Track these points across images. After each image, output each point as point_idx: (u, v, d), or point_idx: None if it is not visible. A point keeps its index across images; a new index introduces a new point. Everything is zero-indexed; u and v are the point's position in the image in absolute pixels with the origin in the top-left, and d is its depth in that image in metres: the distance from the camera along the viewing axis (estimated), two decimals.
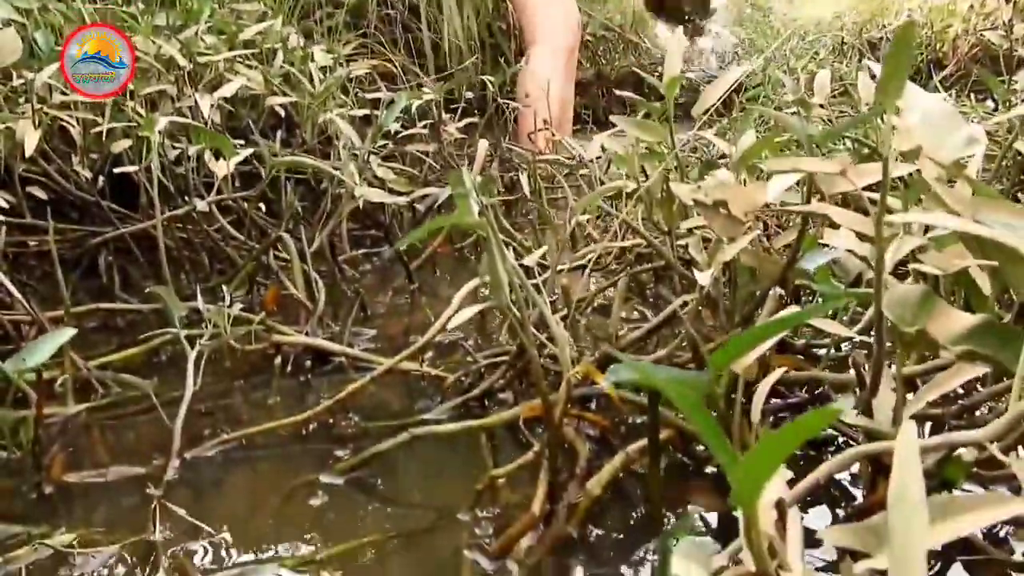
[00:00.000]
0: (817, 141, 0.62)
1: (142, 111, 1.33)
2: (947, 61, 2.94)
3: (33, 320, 0.94)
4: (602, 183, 1.07)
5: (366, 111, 1.72)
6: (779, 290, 0.65)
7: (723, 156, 0.88)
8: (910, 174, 0.61)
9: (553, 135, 2.19)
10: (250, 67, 1.65)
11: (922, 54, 3.09)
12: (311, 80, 1.71)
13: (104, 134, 1.28)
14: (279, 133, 1.51)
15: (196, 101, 1.28)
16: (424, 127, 1.68)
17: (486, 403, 0.85)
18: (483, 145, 1.26)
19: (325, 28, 2.31)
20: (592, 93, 3.65)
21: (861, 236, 0.60)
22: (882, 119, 0.45)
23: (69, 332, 0.77)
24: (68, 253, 1.25)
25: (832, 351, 0.79)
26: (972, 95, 2.47)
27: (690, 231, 0.86)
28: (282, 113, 1.65)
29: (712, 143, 0.93)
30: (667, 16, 3.10)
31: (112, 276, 1.21)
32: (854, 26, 3.78)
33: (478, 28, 2.67)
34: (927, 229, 0.60)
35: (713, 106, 0.83)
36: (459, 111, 1.93)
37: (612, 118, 0.91)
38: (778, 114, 0.63)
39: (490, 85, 1.91)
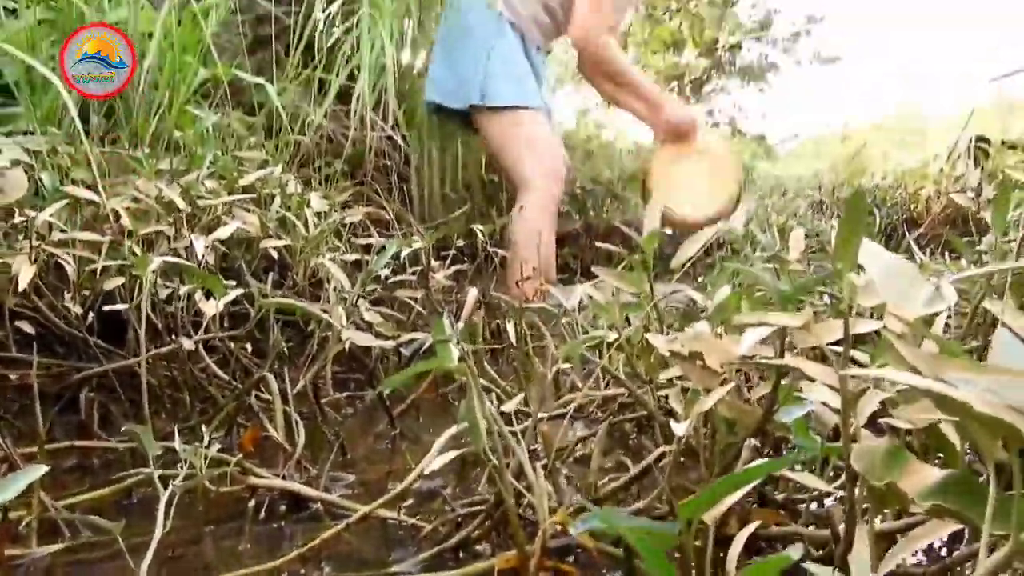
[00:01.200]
0: (788, 297, 0.65)
1: (138, 250, 1.36)
2: (921, 221, 3.06)
3: (5, 456, 0.93)
4: (585, 332, 1.09)
5: (358, 256, 1.76)
6: (754, 441, 0.65)
7: (703, 309, 0.90)
8: (879, 331, 0.63)
9: (542, 284, 2.23)
10: (248, 211, 1.70)
11: (897, 214, 3.23)
12: (306, 225, 1.77)
13: (98, 271, 1.30)
14: (271, 275, 1.55)
15: (192, 242, 1.31)
16: (413, 273, 1.72)
17: (460, 554, 0.83)
18: (472, 293, 1.29)
19: (323, 176, 2.41)
20: (580, 244, 3.76)
21: (835, 388, 0.61)
22: (843, 278, 0.48)
23: (40, 470, 0.76)
24: (50, 388, 1.24)
25: (814, 506, 0.79)
26: (946, 254, 2.55)
27: (670, 381, 0.87)
28: (275, 256, 1.69)
29: (694, 295, 0.96)
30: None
31: (92, 413, 1.20)
32: (831, 185, 3.95)
33: (469, 179, 2.78)
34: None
35: (691, 259, 0.86)
36: (449, 258, 1.98)
37: (594, 269, 0.94)
38: (751, 270, 0.66)
39: (480, 234, 1.97)
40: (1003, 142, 3.22)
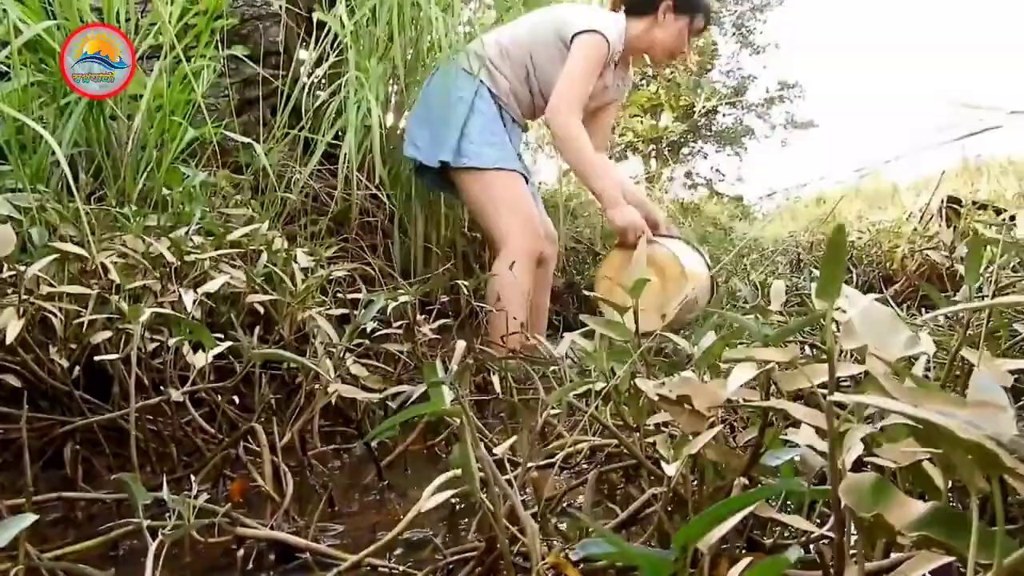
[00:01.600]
0: (772, 340, 0.67)
1: (125, 304, 1.37)
2: (897, 278, 3.12)
3: None
4: (572, 381, 1.10)
5: (344, 310, 1.77)
6: (744, 480, 0.66)
7: (689, 357, 0.92)
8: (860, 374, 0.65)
9: (527, 339, 2.24)
10: (235, 266, 1.72)
11: (873, 271, 3.29)
12: (292, 280, 1.78)
13: (85, 325, 1.31)
14: (257, 330, 1.55)
15: (180, 296, 1.32)
16: (399, 327, 1.73)
17: None
18: (460, 345, 1.30)
19: (309, 233, 2.43)
20: (564, 301, 3.80)
21: (820, 431, 0.63)
22: (825, 319, 0.50)
23: (28, 519, 0.75)
24: (34, 442, 1.23)
25: (802, 551, 0.79)
26: (922, 309, 2.60)
27: (658, 427, 0.88)
28: (261, 311, 1.70)
29: (680, 342, 0.98)
30: None
31: (76, 467, 1.18)
32: (808, 244, 4.03)
33: (453, 235, 2.81)
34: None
35: (677, 307, 0.88)
36: (434, 313, 1.99)
37: (582, 317, 0.96)
38: (735, 315, 0.68)
39: (464, 289, 1.99)
40: (973, 202, 3.31)
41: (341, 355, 1.48)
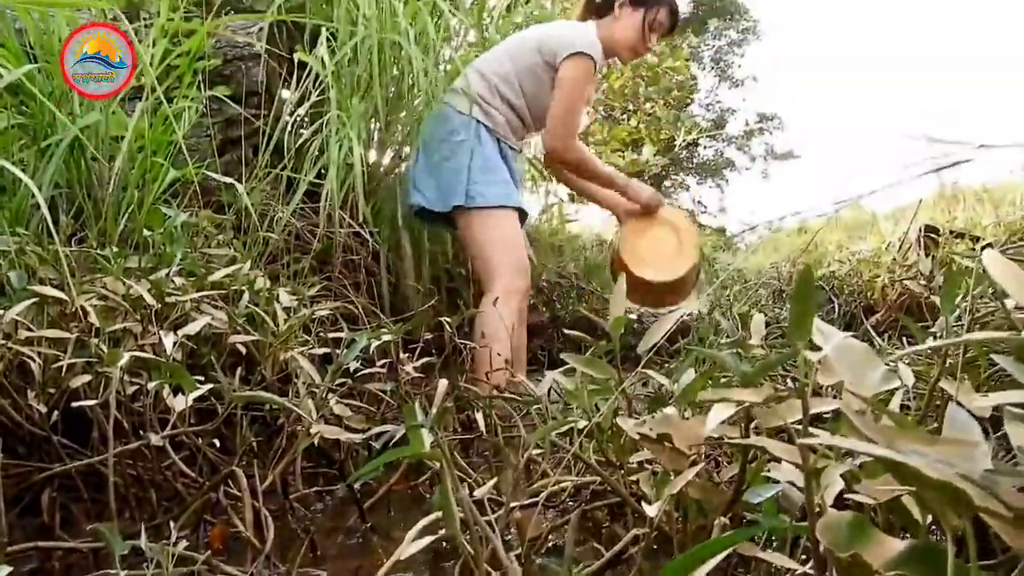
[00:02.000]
0: (750, 377, 0.67)
1: (105, 348, 1.36)
2: (878, 308, 3.14)
3: None
4: (555, 418, 1.10)
5: (327, 350, 1.77)
6: (725, 520, 0.66)
7: (670, 394, 0.92)
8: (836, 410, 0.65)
9: (513, 376, 2.24)
10: (216, 307, 1.71)
11: (855, 301, 3.31)
12: (275, 320, 1.77)
13: (64, 369, 1.29)
14: (239, 370, 1.54)
15: (160, 338, 1.31)
16: (382, 366, 1.72)
17: None
18: (443, 384, 1.30)
19: (291, 272, 2.42)
20: (547, 335, 3.79)
21: (800, 467, 0.63)
22: (799, 357, 0.50)
23: (3, 571, 0.74)
24: (10, 489, 1.21)
25: None
26: (903, 339, 2.62)
27: (640, 465, 0.88)
28: (243, 351, 1.69)
29: (660, 380, 0.98)
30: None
31: (54, 514, 1.17)
32: (788, 275, 4.06)
33: (437, 273, 2.82)
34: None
35: (656, 344, 0.88)
36: (417, 351, 1.99)
37: (563, 356, 0.96)
38: (714, 352, 0.69)
39: (447, 326, 1.99)
40: (950, 231, 3.35)
41: (324, 395, 1.47)
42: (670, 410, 0.80)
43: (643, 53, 2.84)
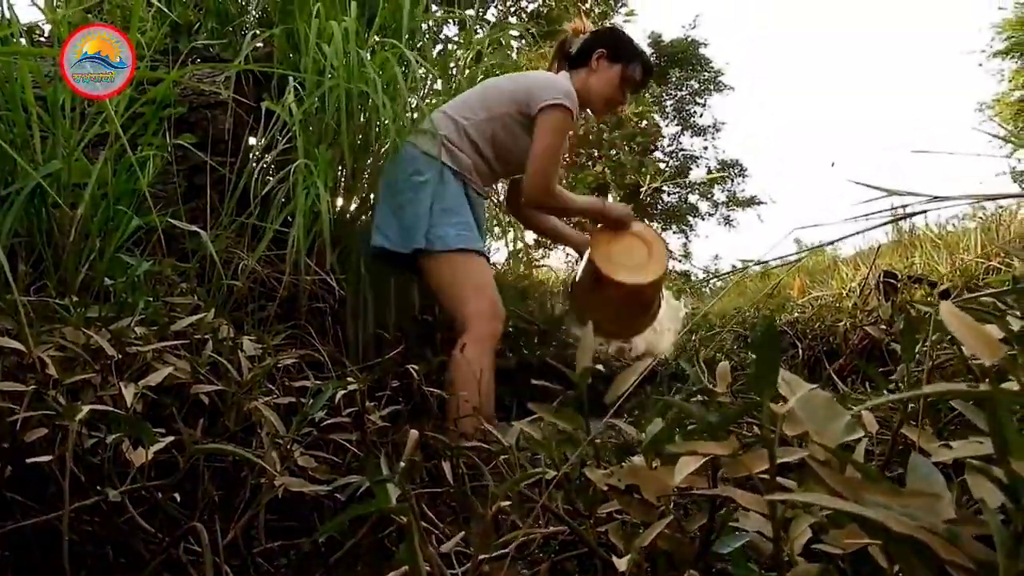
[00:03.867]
0: (716, 427, 0.67)
1: (63, 399, 1.33)
2: (841, 352, 3.18)
3: None
4: (524, 468, 1.09)
5: (292, 399, 1.74)
6: (694, 573, 0.66)
7: (638, 443, 0.92)
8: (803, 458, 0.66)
9: (482, 424, 2.22)
10: (179, 356, 1.68)
11: (818, 345, 3.36)
12: (239, 370, 1.75)
13: (19, 423, 1.26)
14: (202, 421, 1.51)
15: (120, 390, 1.28)
16: (348, 415, 1.70)
17: None
18: (413, 436, 1.28)
19: (256, 320, 2.40)
20: (514, 381, 3.77)
21: (768, 517, 0.63)
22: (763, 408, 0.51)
23: None
24: None
25: None
26: (866, 384, 2.66)
27: (610, 516, 0.87)
28: (207, 401, 1.66)
29: (628, 429, 0.98)
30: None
31: (5, 574, 1.13)
32: (753, 322, 4.10)
33: (404, 320, 2.81)
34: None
35: (625, 394, 0.88)
36: (384, 400, 1.97)
37: (531, 406, 0.96)
38: (681, 403, 0.69)
39: (415, 374, 1.98)
40: (908, 277, 3.42)
41: (288, 447, 1.45)
42: (638, 459, 0.80)
43: (617, 106, 2.90)
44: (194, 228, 2.01)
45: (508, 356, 3.92)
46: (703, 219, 17.93)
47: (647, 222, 3.57)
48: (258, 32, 3.05)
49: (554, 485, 0.95)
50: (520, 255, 4.71)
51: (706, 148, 18.15)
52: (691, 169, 18.11)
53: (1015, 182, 11.90)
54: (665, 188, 17.66)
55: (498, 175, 2.81)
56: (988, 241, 3.69)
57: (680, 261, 17.68)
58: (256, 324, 2.38)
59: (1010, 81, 11.71)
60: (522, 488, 1.04)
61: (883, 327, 3.03)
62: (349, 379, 1.71)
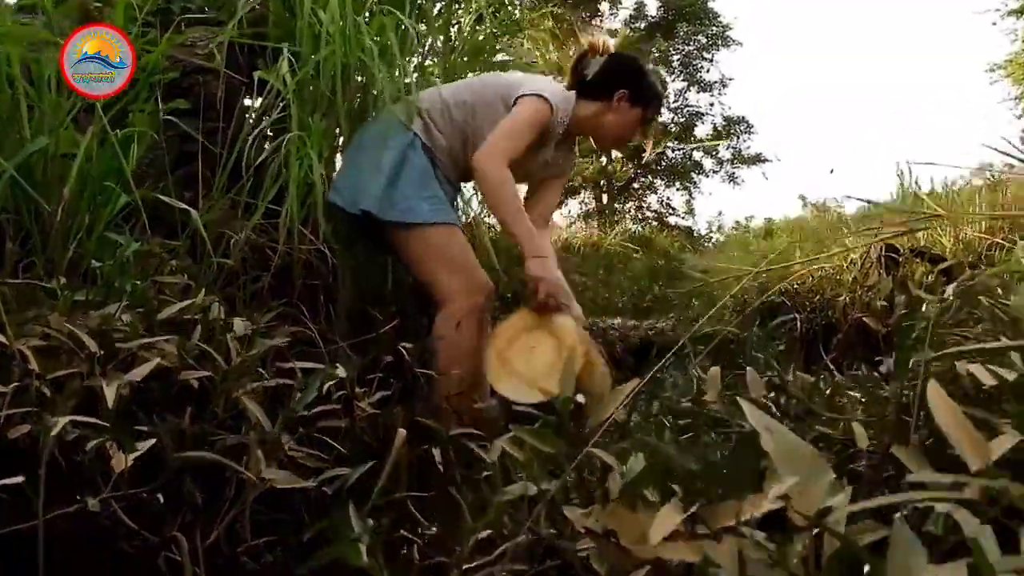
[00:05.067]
0: (699, 475, 0.65)
1: (47, 392, 1.31)
2: (840, 327, 3.17)
3: None
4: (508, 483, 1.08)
5: (282, 381, 1.73)
6: None
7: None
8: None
9: (474, 401, 2.20)
10: (167, 340, 1.66)
11: (816, 318, 3.34)
12: (228, 354, 1.73)
13: (2, 420, 1.24)
14: (189, 410, 1.50)
15: (102, 388, 1.27)
16: (338, 399, 1.69)
17: None
18: (401, 435, 1.27)
19: (249, 293, 2.38)
20: None
21: None
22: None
23: None
24: None
25: None
26: (863, 365, 2.65)
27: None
28: (196, 385, 1.65)
29: (607, 459, 0.96)
30: None
31: None
32: (756, 287, 4.07)
33: (399, 292, 2.78)
34: None
35: (609, 419, 0.87)
36: (375, 383, 1.96)
37: (512, 428, 0.94)
38: (664, 447, 0.67)
39: (405, 353, 1.96)
40: (911, 250, 3.39)
41: (276, 439, 1.44)
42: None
43: (626, 144, 2.81)
44: (184, 206, 1.97)
45: None
46: (707, 176, 17.80)
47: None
48: None
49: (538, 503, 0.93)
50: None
51: (712, 104, 17.93)
52: (696, 125, 17.92)
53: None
54: (669, 144, 17.50)
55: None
56: (993, 206, 3.64)
57: (683, 218, 17.62)
58: (249, 298, 2.36)
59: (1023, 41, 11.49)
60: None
61: (883, 303, 3.01)
62: (338, 364, 1.69)
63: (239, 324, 1.87)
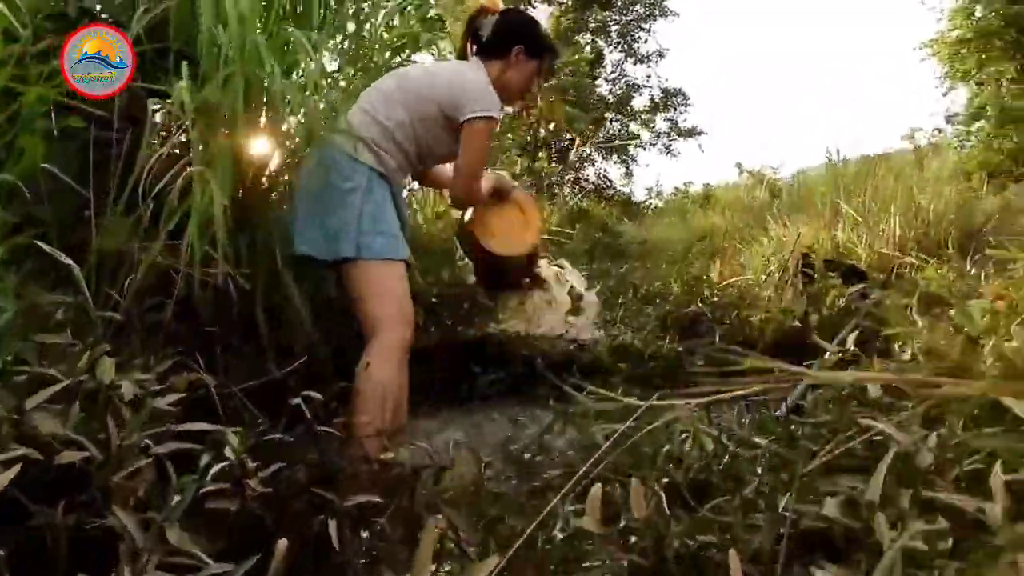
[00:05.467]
0: None
1: None
2: (756, 343, 3.21)
3: None
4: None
5: (183, 445, 1.66)
6: None
7: None
8: None
9: (386, 448, 2.17)
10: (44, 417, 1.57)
11: (734, 332, 3.37)
12: (118, 417, 1.65)
13: None
14: (62, 504, 1.42)
15: None
16: (228, 475, 1.62)
17: None
18: (281, 546, 1.22)
19: (147, 328, 2.28)
20: (437, 361, 3.66)
21: None
22: None
23: None
24: None
25: None
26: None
27: None
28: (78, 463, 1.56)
29: None
30: (503, 289, 3.42)
31: None
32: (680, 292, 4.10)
33: (316, 329, 2.70)
34: None
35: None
36: (285, 423, 1.91)
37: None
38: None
39: (306, 412, 1.89)
40: (825, 262, 3.44)
41: (159, 528, 1.38)
42: None
43: (528, 96, 2.99)
44: (69, 262, 1.86)
45: (430, 331, 3.82)
46: (644, 149, 17.87)
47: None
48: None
49: None
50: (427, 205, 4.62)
51: (649, 76, 17.93)
52: (633, 97, 17.93)
53: (947, 122, 12.10)
54: (607, 116, 17.52)
55: (418, 170, 2.77)
56: (907, 223, 3.71)
57: (623, 185, 17.68)
58: (147, 336, 2.26)
59: (949, 20, 11.72)
60: None
61: (797, 324, 3.05)
62: (229, 439, 1.62)
63: (128, 387, 1.78)
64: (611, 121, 17.69)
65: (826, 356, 1.96)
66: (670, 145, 18.03)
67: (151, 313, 2.28)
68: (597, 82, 16.99)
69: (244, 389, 2.19)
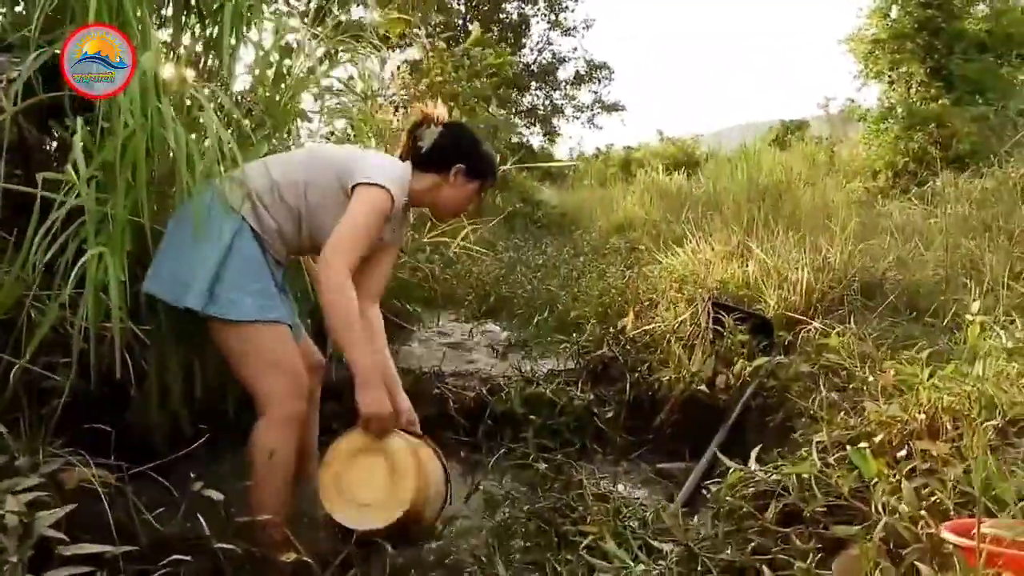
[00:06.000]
0: None
1: None
2: (665, 402, 3.28)
3: None
4: None
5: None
6: None
7: None
8: None
9: (287, 534, 2.12)
10: None
11: (643, 386, 3.43)
12: None
13: None
14: None
15: None
16: None
17: None
18: None
19: (39, 412, 2.17)
20: (343, 400, 3.58)
21: None
22: None
23: None
24: None
25: None
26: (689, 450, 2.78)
27: None
28: None
29: None
30: None
31: None
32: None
33: (206, 397, 2.61)
34: None
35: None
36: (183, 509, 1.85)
37: None
38: None
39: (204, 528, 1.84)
40: (732, 310, 3.52)
41: None
42: None
43: (463, 212, 2.85)
44: None
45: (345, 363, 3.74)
46: (568, 121, 17.88)
47: (420, 439, 2.63)
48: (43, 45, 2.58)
49: None
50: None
51: (575, 49, 17.87)
52: (558, 69, 17.85)
53: (858, 119, 12.43)
54: (532, 84, 17.42)
55: (304, 249, 2.58)
56: (815, 275, 3.82)
57: (545, 148, 17.69)
58: (39, 419, 2.15)
59: (867, 19, 12.00)
60: None
61: (705, 389, 3.13)
62: None
63: (12, 502, 1.69)
64: (535, 90, 17.59)
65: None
66: (592, 117, 18.08)
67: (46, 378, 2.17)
68: (523, 51, 16.82)
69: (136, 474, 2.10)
